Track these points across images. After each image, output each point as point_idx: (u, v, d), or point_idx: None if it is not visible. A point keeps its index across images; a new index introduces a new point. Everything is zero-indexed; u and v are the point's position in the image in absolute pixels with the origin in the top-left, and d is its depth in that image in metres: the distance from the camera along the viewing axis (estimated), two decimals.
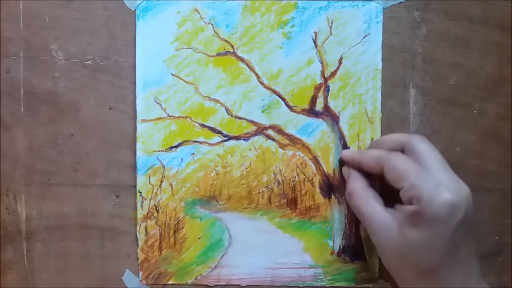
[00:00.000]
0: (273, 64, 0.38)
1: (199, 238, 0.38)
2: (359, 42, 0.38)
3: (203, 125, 0.38)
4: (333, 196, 0.38)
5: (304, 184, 0.38)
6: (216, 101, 0.38)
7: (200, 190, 0.38)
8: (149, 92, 0.38)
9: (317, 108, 0.38)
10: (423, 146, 0.32)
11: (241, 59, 0.38)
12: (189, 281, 0.38)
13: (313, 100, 0.38)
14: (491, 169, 0.38)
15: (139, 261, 0.38)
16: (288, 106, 0.38)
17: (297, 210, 0.38)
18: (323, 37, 0.38)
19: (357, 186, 0.34)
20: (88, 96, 0.38)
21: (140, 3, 0.37)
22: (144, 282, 0.38)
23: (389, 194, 0.32)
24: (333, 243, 0.38)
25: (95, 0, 0.38)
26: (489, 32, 0.38)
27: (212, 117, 0.38)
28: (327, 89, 0.38)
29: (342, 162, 0.37)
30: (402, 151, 0.33)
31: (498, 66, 0.38)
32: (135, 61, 0.38)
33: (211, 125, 0.38)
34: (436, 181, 0.30)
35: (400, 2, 0.38)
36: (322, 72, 0.38)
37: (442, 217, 0.29)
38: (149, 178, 0.38)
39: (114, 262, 0.38)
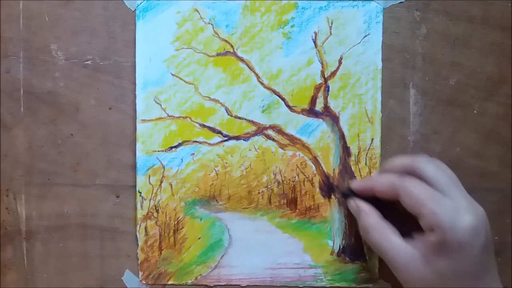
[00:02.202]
0: (273, 64, 0.38)
1: (199, 238, 0.38)
2: (359, 42, 0.38)
3: (203, 125, 0.38)
4: (333, 196, 0.38)
5: (304, 184, 0.38)
6: (216, 101, 0.38)
7: (200, 190, 0.38)
8: (149, 92, 0.38)
9: (317, 108, 0.38)
10: (431, 168, 0.31)
11: (241, 59, 0.38)
12: (189, 281, 0.38)
13: (313, 100, 0.38)
14: (491, 169, 0.38)
15: (139, 261, 0.38)
16: (288, 106, 0.38)
17: (297, 210, 0.38)
18: (323, 37, 0.38)
19: (372, 221, 0.33)
20: (88, 96, 0.38)
21: (140, 3, 0.37)
22: (144, 282, 0.38)
23: (403, 219, 0.32)
24: (333, 243, 0.38)
25: (95, 0, 0.38)
26: (489, 32, 0.38)
27: (212, 117, 0.38)
28: (327, 89, 0.38)
29: (346, 195, 0.36)
30: (411, 174, 0.32)
31: (498, 66, 0.38)
32: (135, 61, 0.38)
33: (211, 125, 0.38)
34: (453, 205, 0.29)
35: (400, 2, 0.38)
36: (322, 72, 0.38)
37: (467, 242, 0.28)
38: (149, 178, 0.38)
39: (114, 262, 0.38)
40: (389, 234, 0.32)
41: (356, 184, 0.36)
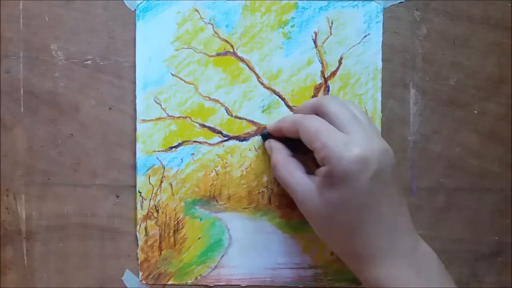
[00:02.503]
0: (273, 64, 0.38)
1: (199, 238, 0.38)
2: (359, 42, 0.38)
3: (203, 125, 0.38)
4: None
5: None
6: (216, 101, 0.38)
7: (200, 190, 0.38)
8: (149, 92, 0.38)
9: None
10: (333, 104, 0.32)
11: (241, 59, 0.38)
12: (189, 281, 0.38)
13: None
14: (491, 169, 0.38)
15: (139, 261, 0.38)
16: (288, 106, 0.38)
17: (297, 210, 0.38)
18: (323, 37, 0.38)
19: (280, 157, 0.34)
20: (88, 96, 0.38)
21: (140, 3, 0.37)
22: (144, 282, 0.38)
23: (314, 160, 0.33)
24: None
25: (95, 0, 0.38)
26: (489, 32, 0.38)
27: (212, 117, 0.38)
28: (327, 89, 0.38)
29: (265, 137, 0.37)
30: (317, 113, 0.33)
31: (498, 66, 0.38)
32: (135, 61, 0.38)
33: (211, 125, 0.38)
34: (346, 139, 0.30)
35: (400, 2, 0.38)
36: (322, 72, 0.38)
37: (352, 173, 0.29)
38: (149, 178, 0.38)
39: (114, 262, 0.38)
40: (293, 169, 0.33)
41: (270, 126, 0.37)
